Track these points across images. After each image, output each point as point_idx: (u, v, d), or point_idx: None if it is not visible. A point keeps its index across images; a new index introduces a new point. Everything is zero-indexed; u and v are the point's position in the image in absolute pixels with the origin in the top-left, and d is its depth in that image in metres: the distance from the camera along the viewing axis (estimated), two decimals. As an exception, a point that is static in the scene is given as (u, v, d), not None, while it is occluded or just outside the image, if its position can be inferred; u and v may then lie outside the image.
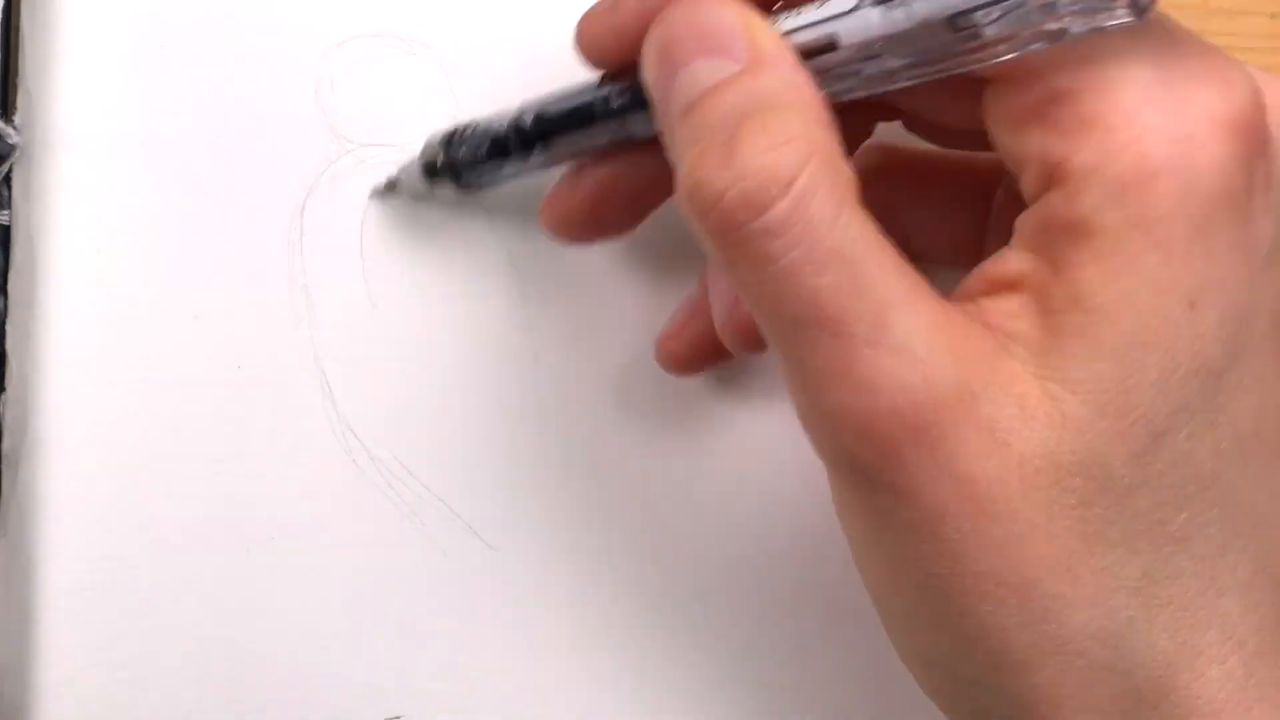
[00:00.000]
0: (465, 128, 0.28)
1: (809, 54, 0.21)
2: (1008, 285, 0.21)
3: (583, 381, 0.30)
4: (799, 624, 0.30)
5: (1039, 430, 0.19)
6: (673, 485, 0.30)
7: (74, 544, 0.28)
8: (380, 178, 0.30)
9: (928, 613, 0.21)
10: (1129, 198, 0.19)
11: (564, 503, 0.30)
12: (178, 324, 0.29)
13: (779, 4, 0.23)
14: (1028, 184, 0.21)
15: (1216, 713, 0.20)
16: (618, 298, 0.31)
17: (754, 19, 0.21)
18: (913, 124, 0.27)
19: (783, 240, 0.19)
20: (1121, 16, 0.18)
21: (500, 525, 0.30)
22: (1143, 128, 0.19)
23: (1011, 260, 0.21)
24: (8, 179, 0.29)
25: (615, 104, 0.24)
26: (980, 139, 0.22)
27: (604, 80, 0.25)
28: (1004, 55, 0.20)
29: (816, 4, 0.21)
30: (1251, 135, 0.20)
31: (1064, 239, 0.20)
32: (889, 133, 0.27)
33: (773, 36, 0.21)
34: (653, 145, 0.23)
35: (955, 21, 0.19)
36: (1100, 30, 0.19)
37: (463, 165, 0.28)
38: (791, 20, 0.22)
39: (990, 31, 0.19)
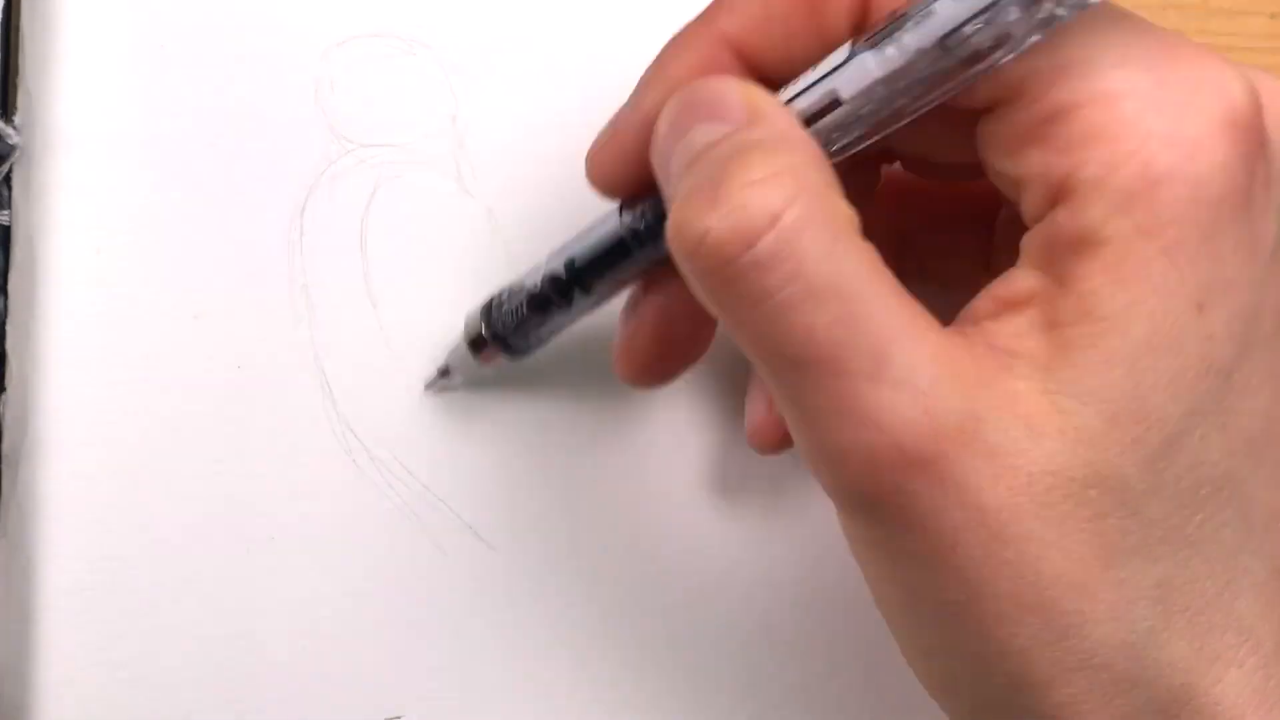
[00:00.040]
0: (501, 293, 0.27)
1: (815, 117, 0.21)
2: (1014, 305, 0.20)
3: (583, 381, 0.30)
4: (799, 623, 0.30)
5: (1049, 447, 0.19)
6: (673, 485, 0.30)
7: (74, 544, 0.28)
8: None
9: (947, 640, 0.21)
10: (1135, 206, 0.19)
11: (564, 503, 0.30)
12: (178, 324, 0.29)
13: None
14: (1030, 205, 0.21)
15: (1238, 718, 0.20)
16: (618, 298, 0.31)
17: (753, 87, 0.21)
18: (909, 164, 0.27)
19: (774, 276, 0.19)
20: None
21: (500, 525, 0.30)
22: (1145, 135, 0.19)
23: (1018, 280, 0.21)
24: (8, 179, 0.29)
25: (642, 228, 0.24)
26: (975, 173, 0.22)
27: (623, 207, 0.24)
28: (1005, 58, 0.20)
29: (810, 70, 0.21)
30: (1251, 135, 0.20)
31: (1071, 253, 0.20)
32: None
33: (768, 98, 0.21)
34: None
35: (946, 43, 0.19)
36: (1086, 6, 0.19)
37: (507, 332, 0.27)
38: (792, 88, 0.22)
39: (982, 41, 0.19)
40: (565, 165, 0.29)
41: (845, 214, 0.20)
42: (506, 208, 0.30)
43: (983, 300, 0.21)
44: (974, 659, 0.20)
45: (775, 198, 0.19)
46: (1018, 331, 0.20)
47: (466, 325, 0.28)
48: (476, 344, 0.28)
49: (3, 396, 0.29)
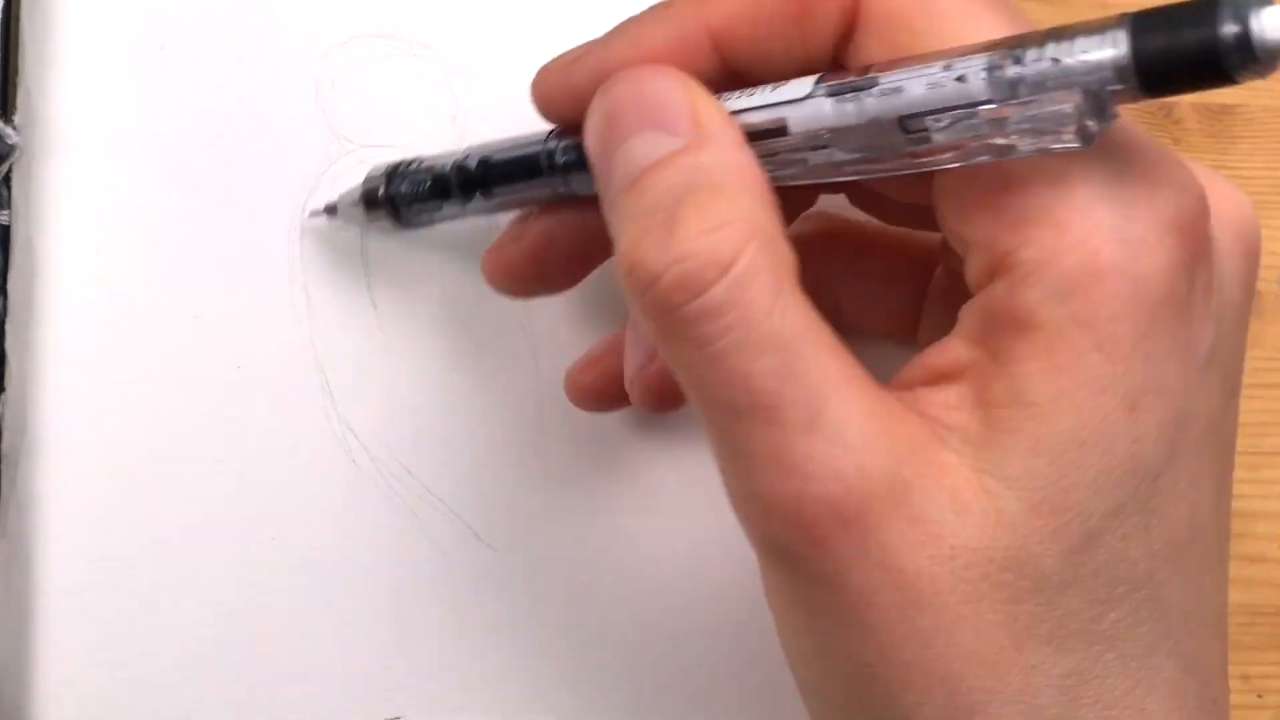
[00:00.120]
0: (410, 162, 0.27)
1: (757, 136, 0.21)
2: (948, 375, 0.20)
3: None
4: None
5: (972, 524, 0.19)
6: (672, 485, 0.30)
7: (74, 544, 0.28)
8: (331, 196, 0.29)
9: (853, 702, 0.20)
10: (1075, 296, 0.19)
11: (564, 504, 0.30)
12: (178, 324, 0.29)
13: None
14: (972, 270, 0.21)
15: None
16: (617, 299, 0.31)
17: (700, 94, 0.21)
18: (858, 197, 0.27)
19: (719, 324, 0.19)
20: (1068, 142, 0.18)
21: (500, 526, 0.30)
22: (1093, 226, 0.19)
23: (952, 350, 0.21)
24: (8, 179, 0.29)
25: (560, 160, 0.24)
26: (926, 214, 0.22)
27: (552, 135, 0.24)
28: (950, 163, 0.19)
29: (770, 87, 0.21)
30: (1196, 240, 0.20)
31: (1007, 332, 0.20)
32: (830, 203, 0.27)
33: (718, 112, 0.21)
34: (594, 204, 0.23)
35: (906, 123, 0.19)
36: (1047, 151, 0.19)
37: (401, 200, 0.27)
38: (743, 100, 0.21)
39: (939, 138, 0.19)
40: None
41: (788, 260, 0.20)
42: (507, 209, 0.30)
43: (916, 367, 0.21)
44: None
45: (727, 248, 0.19)
46: (949, 403, 0.20)
47: (367, 178, 0.28)
48: (370, 199, 0.28)
49: (3, 396, 0.29)
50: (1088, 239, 0.19)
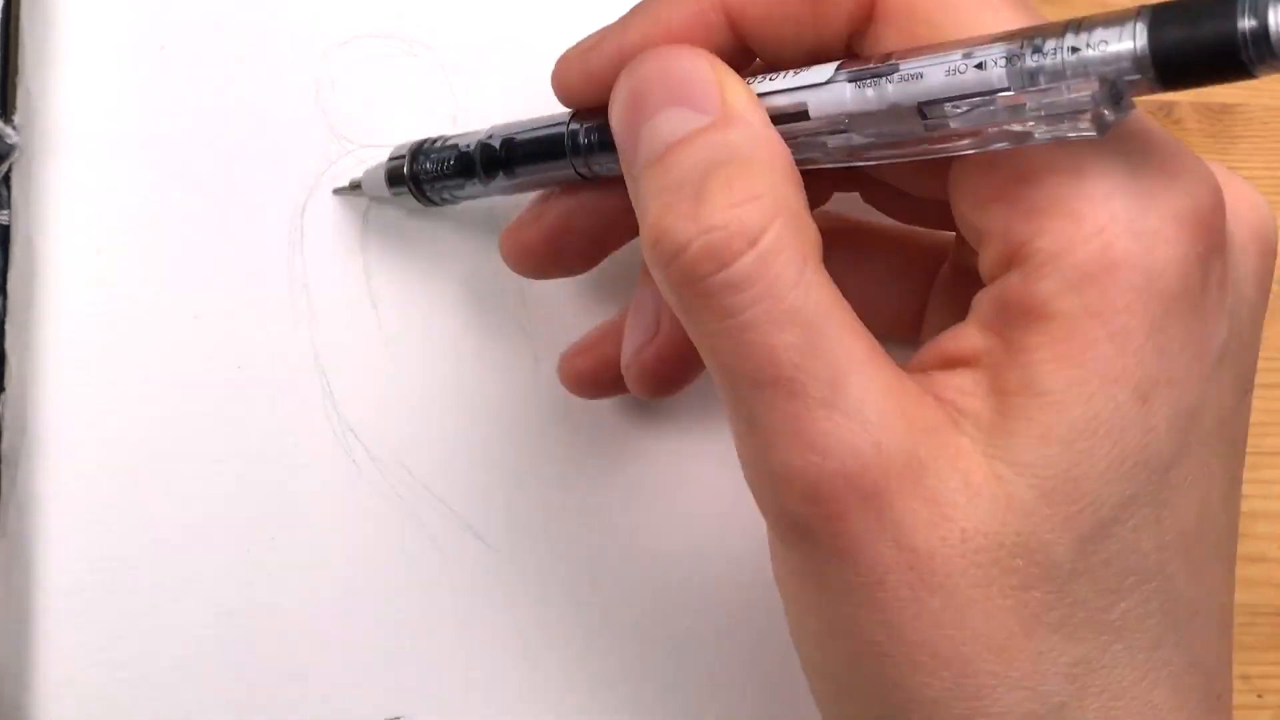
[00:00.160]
0: (435, 140, 0.28)
1: (779, 119, 0.21)
2: (962, 361, 0.21)
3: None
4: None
5: (983, 508, 0.19)
6: (672, 484, 0.30)
7: (74, 544, 0.28)
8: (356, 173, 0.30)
9: (859, 681, 0.21)
10: (1089, 287, 0.19)
11: (564, 503, 0.30)
12: (178, 324, 0.29)
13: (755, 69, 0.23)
14: (987, 261, 0.21)
15: None
16: (617, 299, 0.31)
17: (726, 73, 0.21)
18: (872, 194, 0.27)
19: (745, 296, 0.19)
20: (1084, 130, 0.18)
21: (500, 525, 0.30)
22: (1109, 218, 0.19)
23: (967, 337, 0.21)
24: (7, 179, 0.29)
25: (583, 141, 0.24)
26: (941, 211, 0.22)
27: (574, 117, 0.25)
28: (966, 150, 0.20)
29: (791, 72, 0.21)
30: (1211, 235, 0.20)
31: (1020, 321, 0.20)
32: (842, 202, 0.27)
33: (744, 92, 0.21)
34: (616, 186, 0.23)
35: (924, 109, 0.20)
36: (1063, 139, 0.19)
37: (425, 178, 0.28)
38: (765, 84, 0.22)
39: (956, 124, 0.19)
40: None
41: (814, 238, 0.20)
42: (506, 207, 0.30)
43: (932, 350, 0.21)
44: (883, 704, 0.20)
45: (755, 221, 0.19)
46: (965, 388, 0.20)
47: (393, 154, 0.28)
48: (395, 177, 0.28)
49: (2, 396, 0.29)
50: (1102, 231, 0.19)
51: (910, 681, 0.20)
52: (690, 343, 0.21)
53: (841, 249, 0.28)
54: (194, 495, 0.29)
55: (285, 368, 0.29)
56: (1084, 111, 0.18)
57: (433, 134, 0.28)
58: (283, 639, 0.29)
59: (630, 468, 0.30)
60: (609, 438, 0.30)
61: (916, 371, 0.21)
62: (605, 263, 0.28)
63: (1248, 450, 0.23)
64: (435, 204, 0.28)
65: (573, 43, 0.24)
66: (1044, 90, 0.18)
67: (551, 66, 0.24)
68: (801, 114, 0.21)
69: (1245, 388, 0.22)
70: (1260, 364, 0.33)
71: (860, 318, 0.27)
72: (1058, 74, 0.18)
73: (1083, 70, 0.18)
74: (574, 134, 0.24)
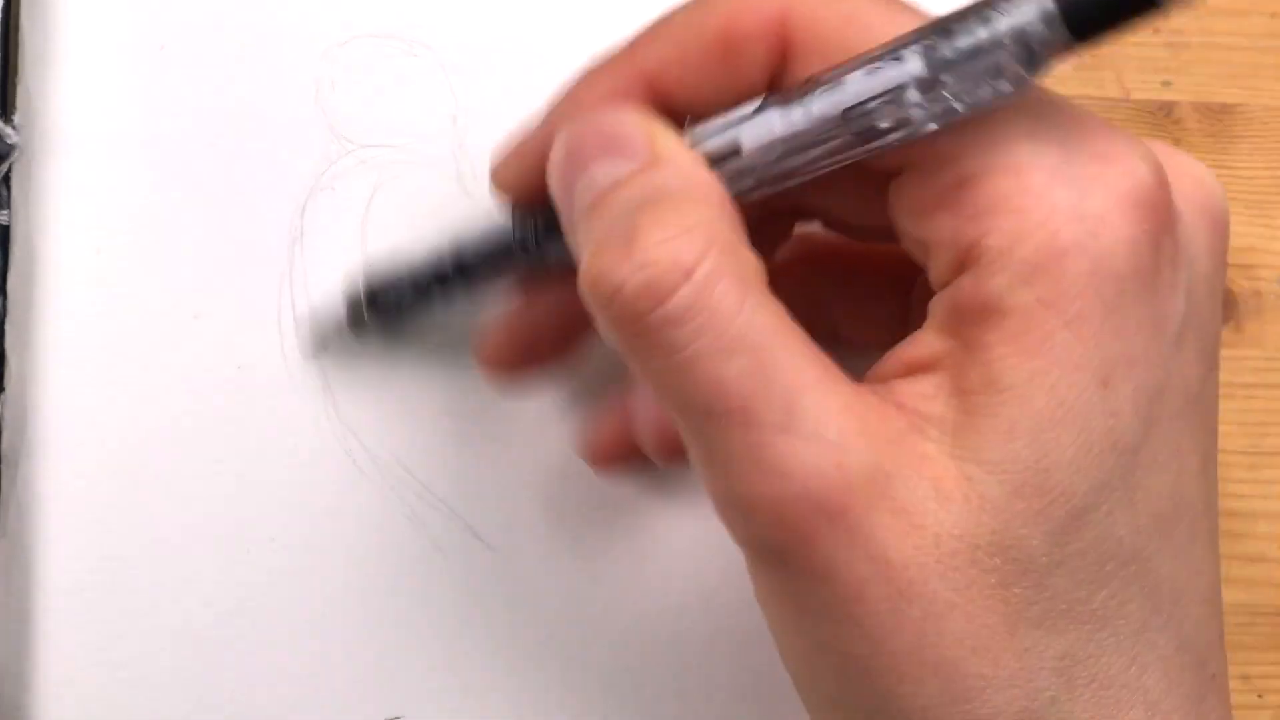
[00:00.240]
0: (380, 272, 0.28)
1: (715, 161, 0.21)
2: (922, 367, 0.21)
3: (584, 383, 0.30)
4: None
5: (955, 511, 0.19)
6: (673, 484, 0.30)
7: (74, 544, 0.28)
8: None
9: (849, 696, 0.21)
10: (1039, 277, 0.19)
11: (564, 504, 0.30)
12: (178, 324, 0.29)
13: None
14: (937, 270, 0.21)
15: None
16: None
17: (653, 123, 0.22)
18: (828, 221, 0.27)
19: (686, 329, 0.19)
20: (1004, 90, 0.19)
21: (500, 525, 0.30)
22: (1051, 208, 0.19)
23: (925, 343, 0.21)
24: (7, 179, 0.29)
25: (529, 236, 0.25)
26: (889, 235, 0.22)
27: (516, 211, 0.25)
28: (898, 140, 0.20)
29: (720, 115, 0.22)
30: (1158, 213, 0.20)
31: (976, 320, 0.20)
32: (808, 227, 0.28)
33: (671, 137, 0.22)
34: (573, 275, 0.23)
35: (848, 115, 0.20)
36: (985, 105, 0.19)
37: (386, 310, 0.27)
38: (701, 129, 0.22)
39: (884, 122, 0.20)
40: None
41: (753, 265, 0.20)
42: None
43: (890, 360, 0.21)
44: (873, 715, 0.20)
45: (688, 253, 0.19)
46: (925, 394, 0.20)
47: (347, 301, 0.28)
48: (356, 320, 0.28)
49: (2, 396, 0.29)
50: (1047, 221, 0.19)
51: (898, 692, 0.20)
52: None
53: (827, 270, 0.28)
54: (194, 495, 0.29)
55: (285, 368, 0.29)
56: (1001, 76, 0.19)
57: (368, 268, 0.28)
58: (282, 639, 0.29)
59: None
60: (609, 438, 0.30)
61: (877, 382, 0.21)
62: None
63: (1248, 450, 0.23)
64: (401, 334, 0.28)
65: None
66: (960, 65, 0.19)
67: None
68: (735, 150, 0.21)
69: (1209, 363, 0.22)
70: (1260, 364, 0.33)
71: (856, 334, 0.27)
72: (973, 52, 0.19)
73: (996, 40, 0.19)
74: (520, 235, 0.25)
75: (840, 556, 0.19)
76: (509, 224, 0.25)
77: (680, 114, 0.23)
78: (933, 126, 0.20)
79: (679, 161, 0.21)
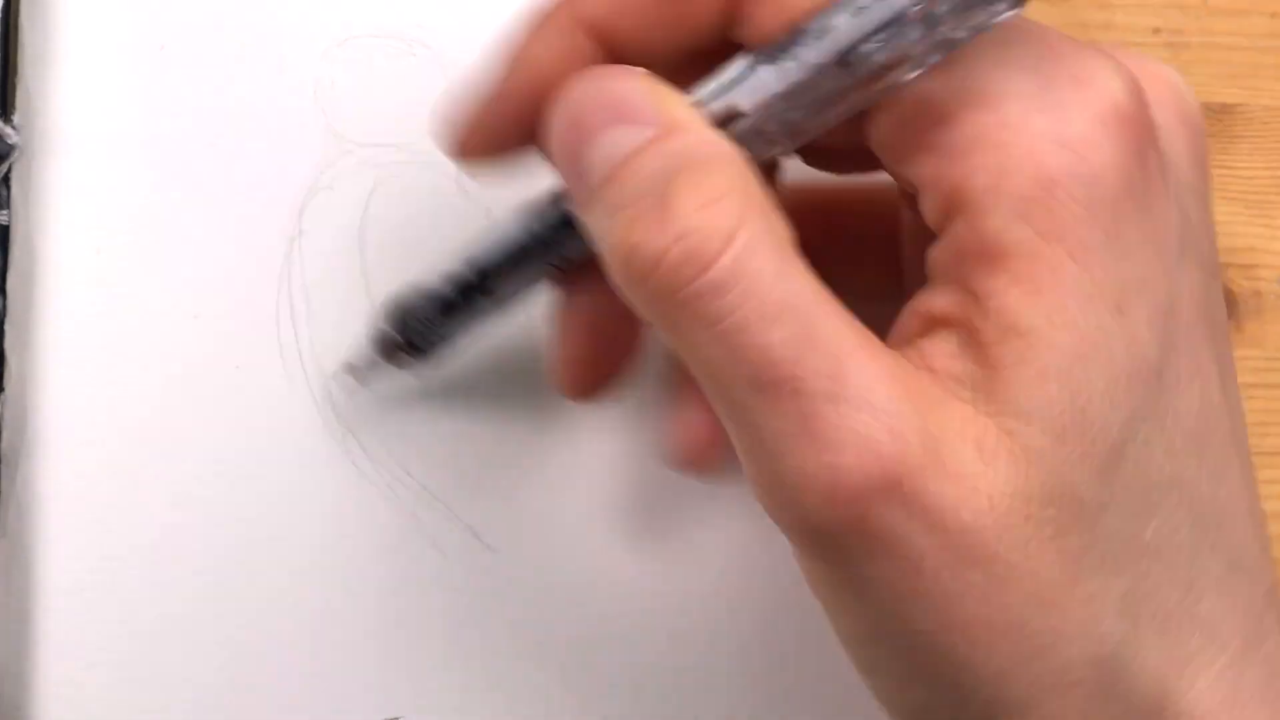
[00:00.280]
0: (404, 295, 0.27)
1: (717, 125, 0.21)
2: (938, 324, 0.20)
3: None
4: (800, 623, 0.30)
5: (1002, 469, 0.19)
6: (673, 484, 0.30)
7: (74, 543, 0.28)
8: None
9: (920, 672, 0.20)
10: (1034, 211, 0.19)
11: (564, 504, 0.30)
12: (178, 324, 0.29)
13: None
14: (928, 212, 0.20)
15: None
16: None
17: (661, 88, 0.21)
18: (812, 157, 0.26)
19: (730, 297, 0.19)
20: (1001, 11, 0.18)
21: (500, 526, 0.30)
22: (1033, 138, 0.19)
23: (935, 298, 0.20)
24: (7, 179, 0.29)
25: (540, 228, 0.24)
26: (872, 158, 0.22)
27: (524, 210, 0.24)
28: (906, 76, 0.19)
29: (711, 80, 0.21)
30: (1139, 128, 0.19)
31: (980, 267, 0.19)
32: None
33: (682, 101, 0.21)
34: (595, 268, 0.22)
35: (846, 59, 0.19)
36: (986, 29, 0.18)
37: (414, 334, 0.27)
38: (694, 94, 0.21)
39: (880, 59, 0.19)
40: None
41: (785, 231, 0.20)
42: (505, 208, 0.30)
43: (908, 318, 0.21)
44: (948, 687, 0.20)
45: (727, 220, 0.19)
46: (949, 352, 0.20)
47: (372, 329, 0.28)
48: (384, 347, 0.27)
49: (2, 396, 0.29)
50: (1031, 152, 0.19)
51: (971, 660, 0.19)
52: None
53: (809, 220, 0.27)
54: (194, 495, 0.29)
55: (285, 368, 0.29)
56: None
57: (395, 294, 0.27)
58: (282, 639, 0.29)
59: (631, 467, 0.30)
60: (609, 438, 0.30)
61: (902, 345, 0.20)
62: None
63: (1248, 450, 0.23)
64: (432, 356, 0.27)
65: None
66: None
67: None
68: (735, 115, 0.20)
69: (1210, 270, 0.22)
70: (1260, 364, 0.33)
71: (847, 282, 0.27)
72: None
73: None
74: (530, 230, 0.24)
75: (899, 530, 0.19)
76: (515, 222, 0.24)
77: (632, 62, 0.22)
78: (936, 58, 0.19)
79: (696, 127, 0.20)
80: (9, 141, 0.29)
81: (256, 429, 0.29)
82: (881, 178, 0.26)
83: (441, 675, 0.29)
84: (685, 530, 0.30)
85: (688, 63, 0.22)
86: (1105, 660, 0.19)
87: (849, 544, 0.19)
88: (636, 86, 0.21)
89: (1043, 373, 0.19)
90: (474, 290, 0.25)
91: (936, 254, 0.20)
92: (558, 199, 0.23)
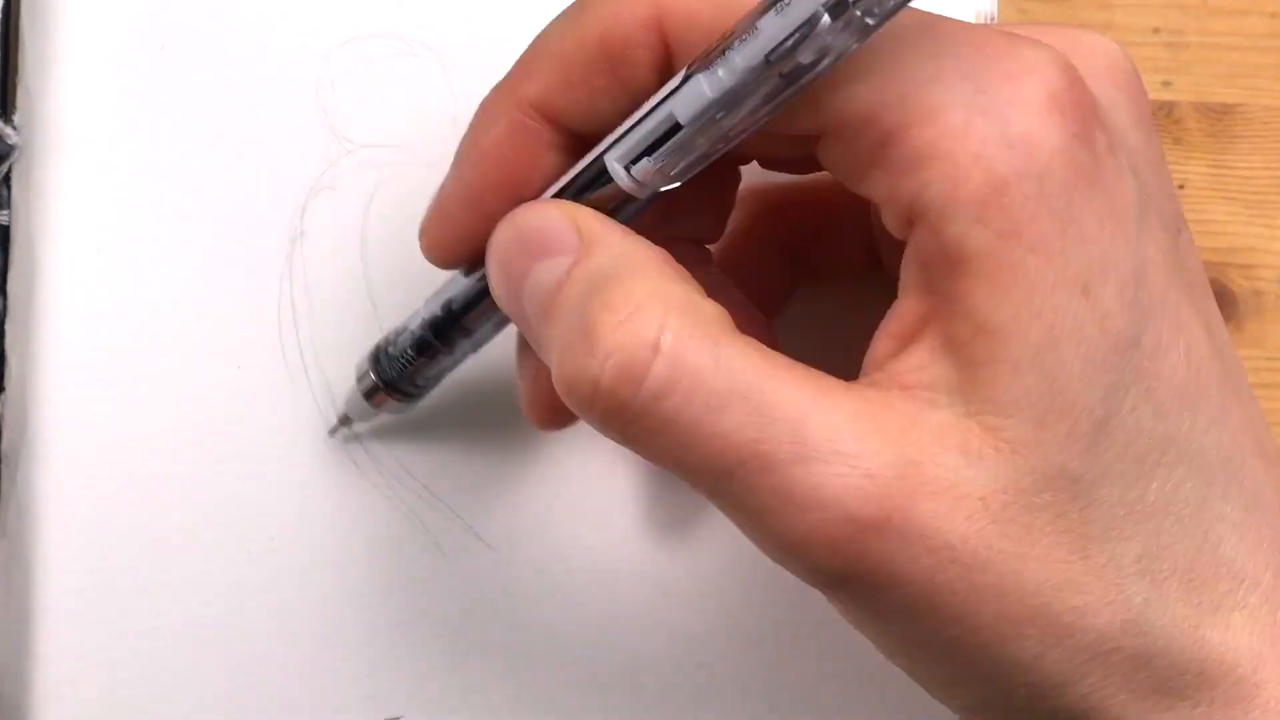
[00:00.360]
0: (386, 339, 0.27)
1: (657, 142, 0.21)
2: (911, 337, 0.21)
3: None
4: (801, 623, 0.30)
5: (990, 467, 0.19)
6: (673, 484, 0.30)
7: (74, 544, 0.28)
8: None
9: (960, 671, 0.21)
10: (990, 214, 0.19)
11: (564, 504, 0.30)
12: (179, 324, 0.29)
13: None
14: (890, 223, 0.21)
15: (1257, 656, 0.20)
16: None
17: (574, 208, 0.22)
18: (765, 162, 0.26)
19: (673, 400, 0.19)
20: None
21: (500, 525, 0.30)
22: (979, 144, 0.19)
23: (906, 310, 0.21)
24: (8, 179, 0.29)
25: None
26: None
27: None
28: (827, 67, 0.20)
29: (648, 101, 0.21)
30: (1081, 109, 0.20)
31: (945, 273, 0.20)
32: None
33: (595, 216, 0.21)
34: None
35: (770, 59, 0.20)
36: (898, 9, 0.19)
37: (396, 377, 0.27)
38: (630, 120, 0.22)
39: (805, 56, 0.19)
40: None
41: (715, 313, 0.20)
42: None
43: (880, 342, 0.21)
44: (991, 680, 0.20)
45: (650, 327, 0.19)
46: (923, 363, 0.20)
47: (358, 374, 0.28)
48: (369, 392, 0.27)
49: (2, 396, 0.29)
50: (979, 157, 0.19)
51: (1005, 653, 0.20)
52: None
53: (786, 212, 0.28)
54: (194, 496, 0.29)
55: (285, 368, 0.29)
56: None
57: (376, 339, 0.27)
58: (282, 639, 0.29)
59: (631, 468, 0.30)
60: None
61: (874, 370, 0.21)
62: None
63: (1249, 389, 0.23)
64: (418, 397, 0.27)
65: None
66: None
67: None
68: (675, 127, 0.21)
69: (1175, 226, 0.22)
70: (1260, 364, 0.33)
71: (832, 267, 0.27)
72: None
73: None
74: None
75: (900, 561, 0.19)
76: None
77: (578, 132, 0.23)
78: (855, 46, 0.19)
79: (609, 240, 0.21)
80: (9, 141, 0.29)
81: (257, 429, 0.29)
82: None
83: (441, 675, 0.29)
84: (685, 530, 0.30)
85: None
86: (1134, 622, 0.20)
87: (860, 582, 0.20)
88: (548, 214, 0.22)
89: (1016, 365, 0.19)
90: (450, 331, 0.26)
91: (906, 266, 0.21)
92: None
